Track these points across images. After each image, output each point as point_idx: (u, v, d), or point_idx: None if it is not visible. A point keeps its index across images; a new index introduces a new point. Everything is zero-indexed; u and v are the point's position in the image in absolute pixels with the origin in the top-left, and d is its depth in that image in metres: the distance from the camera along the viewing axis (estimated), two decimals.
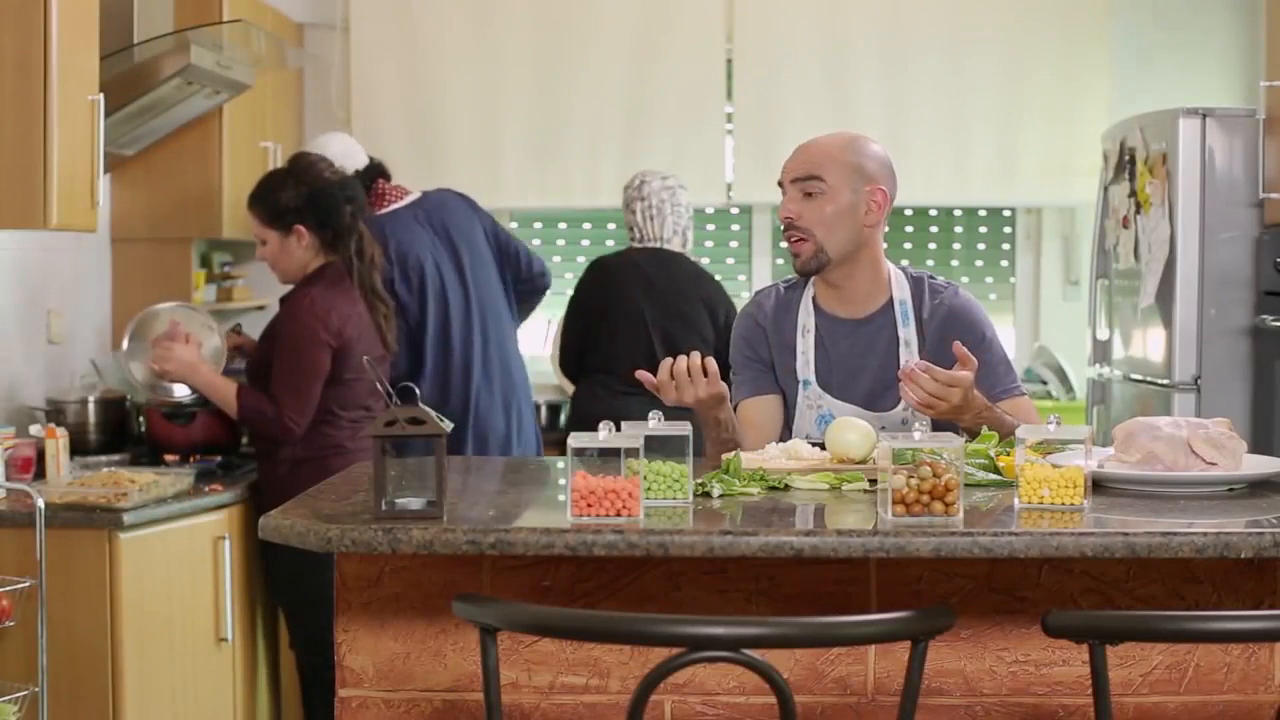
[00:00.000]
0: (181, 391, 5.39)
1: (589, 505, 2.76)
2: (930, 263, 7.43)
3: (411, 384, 3.04)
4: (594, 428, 2.88)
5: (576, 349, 6.09)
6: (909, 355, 3.75)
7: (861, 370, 3.78)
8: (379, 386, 2.90)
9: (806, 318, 3.82)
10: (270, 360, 5.12)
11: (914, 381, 3.40)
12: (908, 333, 3.78)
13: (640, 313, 5.91)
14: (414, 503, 2.79)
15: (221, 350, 5.38)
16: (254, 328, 5.78)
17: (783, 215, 3.78)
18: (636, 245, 6.07)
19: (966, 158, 7.09)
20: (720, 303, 6.03)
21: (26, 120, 4.46)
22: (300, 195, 5.16)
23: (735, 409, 3.83)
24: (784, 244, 3.82)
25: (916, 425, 3.16)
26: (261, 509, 4.84)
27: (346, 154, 5.71)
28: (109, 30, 4.94)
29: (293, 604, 5.24)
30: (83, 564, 4.51)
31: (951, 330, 3.75)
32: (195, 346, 5.24)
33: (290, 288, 5.25)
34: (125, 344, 5.46)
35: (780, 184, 3.81)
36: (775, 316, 3.87)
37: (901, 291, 3.82)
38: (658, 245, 6.04)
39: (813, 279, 3.85)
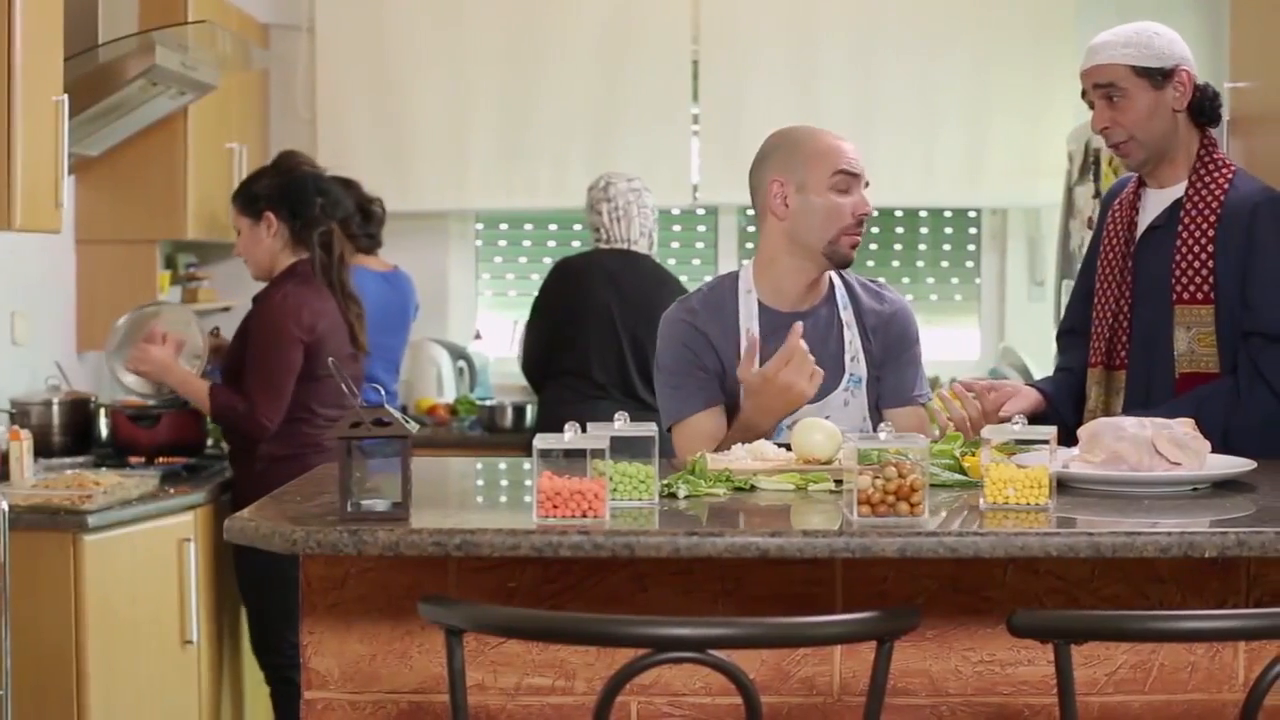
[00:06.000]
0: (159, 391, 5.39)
1: (555, 506, 2.76)
2: (895, 264, 7.46)
3: (378, 384, 3.03)
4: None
5: (543, 351, 6.07)
6: (851, 336, 3.78)
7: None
8: (344, 387, 2.89)
9: (749, 320, 3.79)
10: (244, 358, 5.12)
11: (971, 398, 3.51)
12: (848, 316, 3.83)
13: (609, 314, 5.90)
14: (379, 504, 2.78)
15: (203, 348, 5.37)
16: (223, 328, 5.76)
17: (861, 212, 3.74)
18: (603, 246, 6.06)
19: (933, 159, 7.12)
20: None
21: None
22: (273, 183, 5.21)
23: (681, 422, 3.78)
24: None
25: (884, 426, 3.17)
26: (238, 509, 4.83)
27: None
28: (73, 31, 4.93)
29: (258, 607, 5.22)
30: (47, 566, 4.49)
31: (896, 329, 3.86)
32: (172, 346, 5.24)
33: (263, 287, 5.25)
34: (112, 346, 5.44)
35: (852, 172, 3.75)
36: (713, 320, 3.80)
37: (835, 280, 3.89)
38: (624, 247, 6.03)
39: (753, 275, 3.84)
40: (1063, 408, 3.96)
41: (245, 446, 5.19)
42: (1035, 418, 3.73)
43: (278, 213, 5.19)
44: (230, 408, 5.10)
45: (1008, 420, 3.56)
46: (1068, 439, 3.28)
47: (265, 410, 5.05)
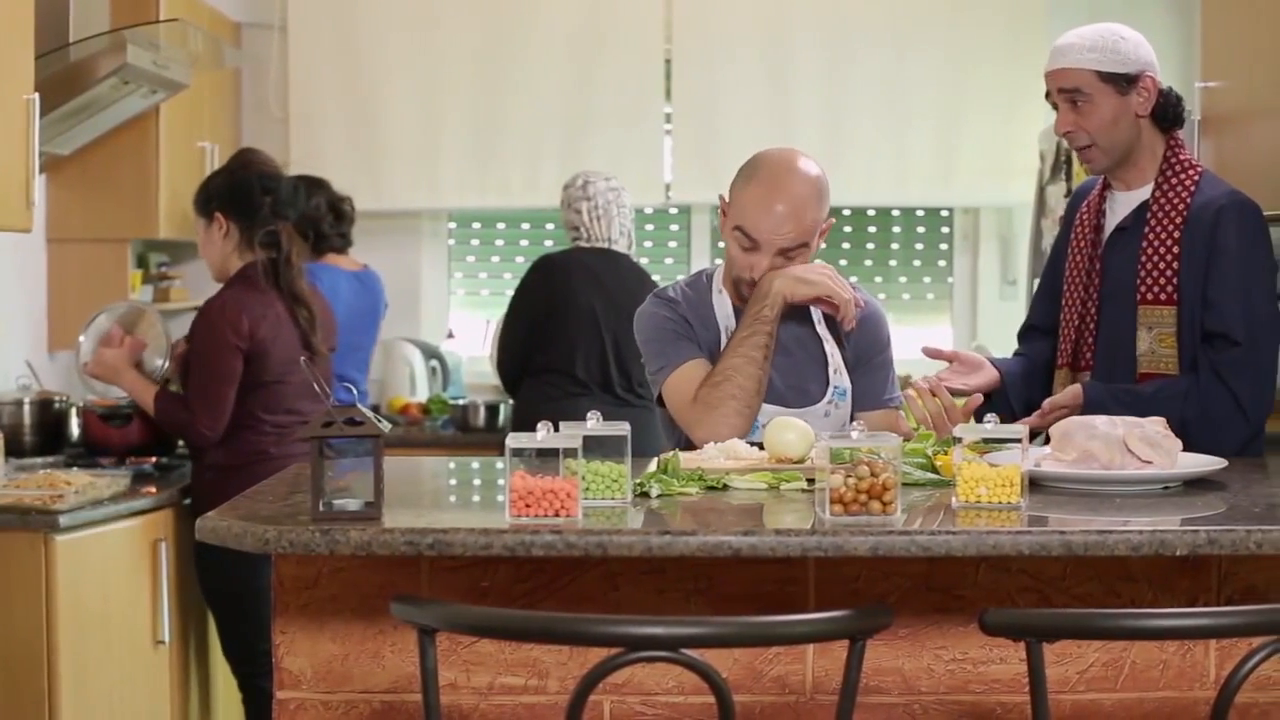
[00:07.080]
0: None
1: (527, 506, 2.76)
2: (868, 263, 7.47)
3: (349, 384, 3.03)
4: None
5: (522, 348, 6.03)
6: (832, 349, 3.77)
7: (782, 366, 3.75)
8: (315, 387, 2.89)
9: (727, 320, 3.79)
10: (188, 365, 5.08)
11: (933, 397, 3.60)
12: (824, 330, 3.82)
13: (592, 312, 5.89)
14: (352, 504, 2.77)
15: (166, 349, 5.34)
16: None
17: (748, 276, 3.71)
18: (584, 245, 6.04)
19: (905, 158, 7.13)
20: None
21: None
22: (223, 183, 5.13)
23: (670, 375, 3.76)
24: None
25: (856, 425, 3.17)
26: (194, 514, 4.81)
27: None
28: (44, 29, 4.90)
29: (224, 616, 5.18)
30: (18, 566, 4.47)
31: (868, 332, 3.83)
32: (127, 349, 5.19)
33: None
34: (81, 348, 5.42)
35: (751, 239, 3.69)
36: (692, 311, 3.81)
37: None
38: (605, 245, 6.02)
39: (722, 277, 3.85)
40: (1012, 389, 3.94)
41: (196, 454, 5.15)
42: (989, 395, 3.85)
43: (227, 213, 5.08)
44: (172, 415, 5.06)
45: (968, 394, 3.75)
46: (1013, 418, 3.57)
47: (204, 420, 4.98)
